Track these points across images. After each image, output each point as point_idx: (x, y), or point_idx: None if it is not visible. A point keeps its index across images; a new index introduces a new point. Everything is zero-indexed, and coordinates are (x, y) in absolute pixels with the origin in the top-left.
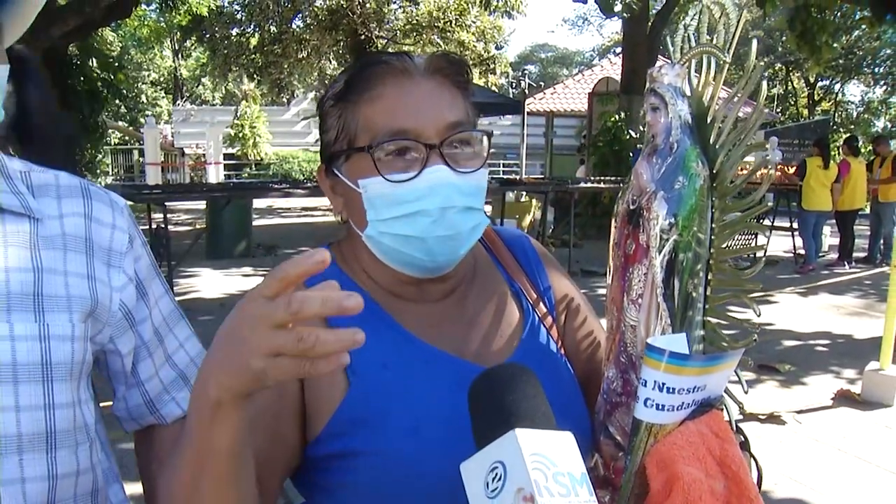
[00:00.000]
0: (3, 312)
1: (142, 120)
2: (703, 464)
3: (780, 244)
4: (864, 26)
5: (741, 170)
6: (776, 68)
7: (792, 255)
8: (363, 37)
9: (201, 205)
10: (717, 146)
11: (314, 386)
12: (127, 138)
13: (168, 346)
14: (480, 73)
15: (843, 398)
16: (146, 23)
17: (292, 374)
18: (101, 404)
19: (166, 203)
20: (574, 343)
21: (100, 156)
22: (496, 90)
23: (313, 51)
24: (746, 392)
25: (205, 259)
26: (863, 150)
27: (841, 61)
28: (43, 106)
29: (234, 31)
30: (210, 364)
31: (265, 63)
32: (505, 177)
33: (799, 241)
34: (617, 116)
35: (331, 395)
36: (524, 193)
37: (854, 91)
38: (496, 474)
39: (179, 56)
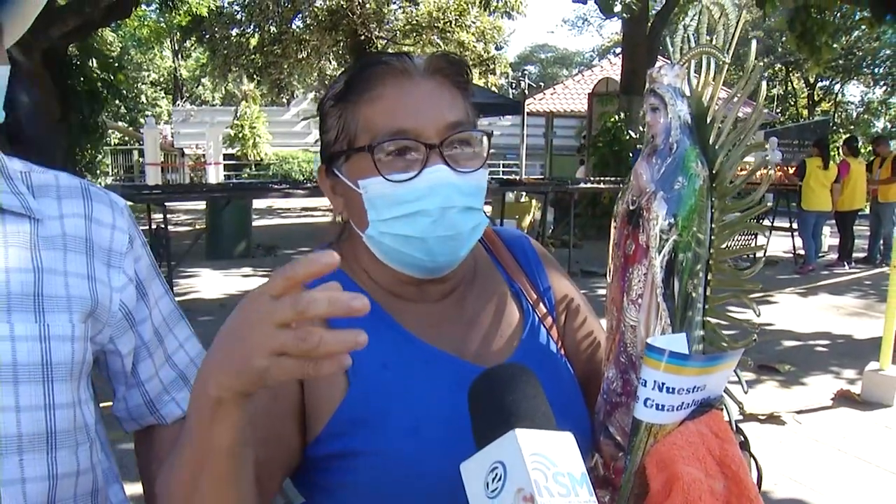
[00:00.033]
0: (4, 313)
1: (141, 120)
2: (702, 464)
3: (780, 244)
4: (863, 27)
5: (741, 170)
6: (776, 69)
7: (792, 255)
8: (363, 37)
9: (201, 205)
10: (716, 146)
11: (314, 386)
12: (127, 139)
13: (168, 346)
14: (480, 73)
15: (843, 398)
16: (146, 23)
17: (294, 375)
18: (101, 404)
19: (166, 203)
20: (574, 343)
21: (100, 156)
22: (496, 91)
23: (313, 51)
24: (746, 392)
25: (204, 259)
26: (862, 151)
27: (841, 62)
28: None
29: (234, 32)
30: (211, 362)
31: (265, 63)
32: (505, 177)
33: (799, 242)
34: (617, 117)
35: (331, 395)
36: (524, 194)
37: (854, 91)
38: (496, 474)
39: (179, 56)
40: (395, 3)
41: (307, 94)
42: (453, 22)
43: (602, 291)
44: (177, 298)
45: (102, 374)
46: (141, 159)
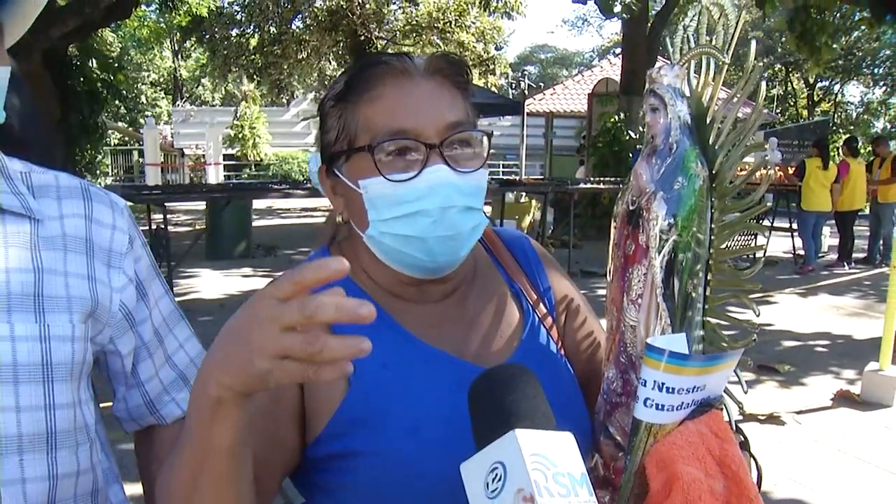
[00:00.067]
0: (4, 313)
1: (141, 120)
2: (702, 464)
3: (780, 245)
4: (863, 27)
5: (740, 170)
6: (775, 69)
7: (791, 255)
8: (363, 38)
9: (201, 205)
10: (716, 147)
11: (314, 387)
12: (127, 139)
13: (168, 346)
14: (480, 73)
15: (843, 399)
16: (146, 23)
17: (296, 378)
18: (101, 405)
19: (166, 204)
20: (574, 343)
21: (99, 156)
22: (496, 91)
23: (313, 52)
24: (746, 392)
25: (204, 260)
26: (862, 151)
27: (840, 62)
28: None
29: (234, 32)
30: (212, 362)
31: (265, 64)
32: (505, 177)
33: (798, 242)
34: (616, 117)
35: (330, 395)
36: (524, 194)
37: (853, 92)
38: (496, 475)
39: (179, 57)
40: (394, 3)
41: (307, 94)
42: (453, 22)
43: (602, 291)
44: (177, 299)
45: (102, 374)
46: (141, 160)
